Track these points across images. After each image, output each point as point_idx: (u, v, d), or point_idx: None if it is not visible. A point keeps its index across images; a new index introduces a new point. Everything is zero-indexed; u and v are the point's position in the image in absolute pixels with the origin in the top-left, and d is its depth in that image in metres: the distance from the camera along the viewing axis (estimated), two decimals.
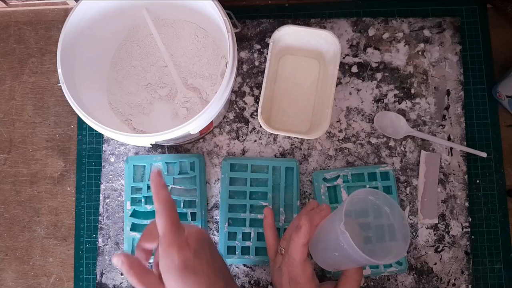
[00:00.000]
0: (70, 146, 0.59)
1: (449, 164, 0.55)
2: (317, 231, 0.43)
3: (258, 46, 0.58)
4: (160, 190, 0.36)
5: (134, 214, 0.53)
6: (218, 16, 0.46)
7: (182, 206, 0.53)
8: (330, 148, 0.56)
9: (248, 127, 0.57)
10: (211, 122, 0.49)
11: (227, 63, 0.46)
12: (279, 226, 0.53)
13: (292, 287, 0.43)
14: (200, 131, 0.49)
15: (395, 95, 0.56)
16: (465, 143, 0.55)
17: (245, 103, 0.57)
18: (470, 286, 0.53)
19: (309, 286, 0.42)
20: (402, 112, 0.56)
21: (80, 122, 0.59)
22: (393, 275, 0.53)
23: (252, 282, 0.54)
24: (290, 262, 0.43)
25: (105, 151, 0.57)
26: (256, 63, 0.58)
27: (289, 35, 0.52)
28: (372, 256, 0.36)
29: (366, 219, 0.50)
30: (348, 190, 0.53)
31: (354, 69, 0.57)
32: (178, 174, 0.54)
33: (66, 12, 0.62)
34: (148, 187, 0.53)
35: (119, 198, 0.56)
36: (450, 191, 0.54)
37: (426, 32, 0.57)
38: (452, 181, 0.54)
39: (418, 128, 0.55)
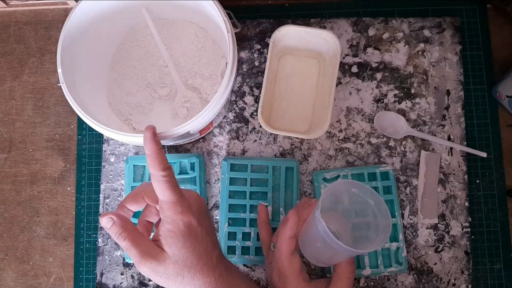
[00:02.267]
0: (70, 146, 0.59)
1: (449, 164, 0.55)
2: (304, 225, 0.43)
3: (258, 46, 0.58)
4: (153, 146, 0.37)
5: (134, 214, 0.53)
6: (218, 16, 0.46)
7: None
8: (330, 148, 0.56)
9: (248, 127, 0.57)
10: (211, 122, 0.49)
11: (227, 63, 0.46)
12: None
13: (281, 281, 0.43)
14: (200, 131, 0.49)
15: (395, 95, 0.56)
16: (465, 143, 0.55)
17: (245, 103, 0.57)
18: (470, 286, 0.53)
19: (296, 280, 0.42)
20: (402, 112, 0.56)
21: (80, 122, 0.59)
22: (393, 275, 0.53)
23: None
24: (278, 255, 0.43)
25: (105, 151, 0.57)
26: (256, 63, 0.58)
27: (289, 35, 0.52)
28: (351, 246, 0.36)
29: (350, 211, 0.51)
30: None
31: (354, 69, 0.57)
32: (178, 174, 0.54)
33: (66, 12, 0.62)
34: None
35: (119, 198, 0.56)
36: (450, 191, 0.54)
37: (426, 32, 0.57)
38: (452, 181, 0.54)
39: (418, 128, 0.55)
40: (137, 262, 0.35)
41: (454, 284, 0.53)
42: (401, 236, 0.52)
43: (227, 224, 0.53)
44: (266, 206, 0.52)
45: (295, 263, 0.43)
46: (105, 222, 0.35)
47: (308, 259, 0.44)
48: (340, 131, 0.56)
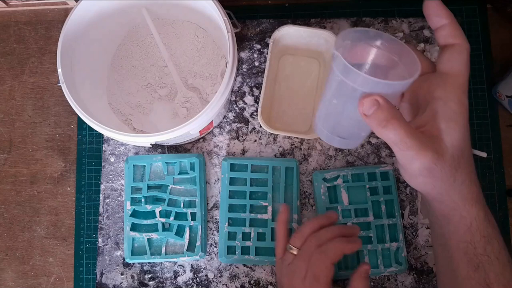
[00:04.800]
0: (70, 146, 0.59)
1: None
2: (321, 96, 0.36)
3: (258, 46, 0.58)
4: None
5: (134, 214, 0.53)
6: (218, 16, 0.46)
7: (182, 206, 0.53)
8: (330, 148, 0.56)
9: (248, 127, 0.57)
10: (211, 122, 0.49)
11: (227, 63, 0.46)
12: None
13: (308, 282, 0.42)
14: (200, 131, 0.49)
15: None
16: None
17: (245, 103, 0.57)
18: None
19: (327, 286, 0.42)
20: None
21: (80, 122, 0.59)
22: (393, 275, 0.53)
23: (252, 282, 0.54)
24: (320, 257, 0.42)
25: (105, 151, 0.57)
26: (256, 63, 0.58)
27: (289, 35, 0.52)
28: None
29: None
30: (348, 190, 0.53)
31: None
32: (178, 174, 0.54)
33: (66, 12, 0.62)
34: (148, 187, 0.54)
35: (119, 198, 0.56)
36: None
37: (426, 32, 0.57)
38: None
39: None
40: (409, 158, 0.30)
41: None
42: (401, 236, 0.52)
43: (227, 224, 0.53)
44: (288, 206, 0.50)
45: (331, 272, 0.42)
46: (366, 105, 0.28)
47: (324, 138, 0.36)
48: None
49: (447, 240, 0.34)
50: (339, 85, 0.30)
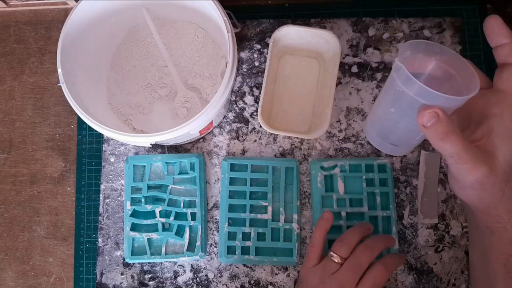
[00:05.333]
0: (70, 146, 0.59)
1: None
2: (376, 99, 0.37)
3: (258, 46, 0.58)
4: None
5: (134, 214, 0.53)
6: (218, 16, 0.46)
7: (182, 206, 0.53)
8: (330, 148, 0.56)
9: (248, 127, 0.57)
10: (211, 122, 0.49)
11: (227, 63, 0.46)
12: (278, 227, 0.53)
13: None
14: (200, 131, 0.49)
15: None
16: None
17: (245, 103, 0.57)
18: (470, 286, 0.53)
19: None
20: None
21: (80, 122, 0.59)
22: (393, 275, 0.53)
23: (252, 282, 0.54)
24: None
25: (105, 151, 0.57)
26: (256, 63, 0.58)
27: (289, 35, 0.52)
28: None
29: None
30: (344, 180, 0.53)
31: (354, 69, 0.57)
32: (178, 174, 0.54)
33: (66, 12, 0.62)
34: (148, 187, 0.54)
35: (119, 198, 0.56)
36: (450, 191, 0.54)
37: (426, 32, 0.57)
38: None
39: None
40: (463, 170, 0.31)
41: (454, 284, 0.53)
42: (394, 229, 0.52)
43: (227, 224, 0.53)
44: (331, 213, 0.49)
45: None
46: (427, 117, 0.29)
47: (375, 143, 0.38)
48: (340, 131, 0.56)
49: (488, 251, 0.35)
50: (399, 95, 0.31)
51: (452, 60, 0.33)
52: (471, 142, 0.32)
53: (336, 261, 0.43)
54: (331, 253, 0.43)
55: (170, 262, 0.54)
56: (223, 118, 0.57)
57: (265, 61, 0.56)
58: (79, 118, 0.57)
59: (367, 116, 0.37)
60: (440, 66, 0.33)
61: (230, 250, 0.53)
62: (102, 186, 0.56)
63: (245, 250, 0.53)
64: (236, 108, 0.57)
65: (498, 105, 0.32)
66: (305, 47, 0.54)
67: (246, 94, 0.57)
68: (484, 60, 0.57)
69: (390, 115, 0.33)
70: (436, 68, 0.34)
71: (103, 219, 0.56)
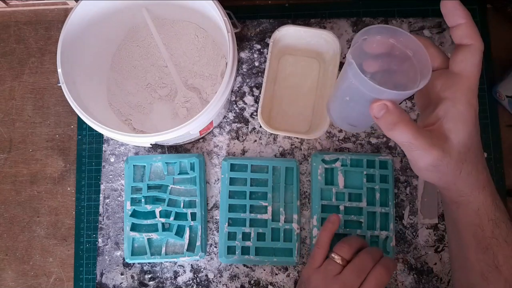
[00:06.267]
0: (70, 146, 0.59)
1: None
2: (335, 83, 0.40)
3: (258, 46, 0.58)
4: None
5: (134, 214, 0.53)
6: (218, 16, 0.46)
7: (182, 206, 0.53)
8: (330, 148, 0.56)
9: (248, 127, 0.57)
10: (211, 122, 0.49)
11: (227, 63, 0.46)
12: (278, 227, 0.53)
13: None
14: (200, 131, 0.49)
15: None
16: None
17: (245, 103, 0.57)
18: None
19: None
20: None
21: (80, 122, 0.59)
22: (393, 275, 0.53)
23: (252, 282, 0.54)
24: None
25: (105, 151, 0.57)
26: (256, 63, 0.58)
27: (289, 35, 0.52)
28: (384, 87, 0.30)
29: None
30: (345, 174, 0.53)
31: None
32: (178, 174, 0.54)
33: (66, 12, 0.62)
34: (148, 187, 0.54)
35: (119, 198, 0.56)
36: None
37: (426, 32, 0.57)
38: None
39: None
40: (416, 156, 0.32)
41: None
42: (391, 226, 0.52)
43: (227, 224, 0.53)
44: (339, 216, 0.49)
45: None
46: (376, 109, 0.31)
47: (336, 123, 0.40)
48: (340, 131, 0.56)
49: (457, 224, 0.37)
50: (352, 86, 0.32)
51: (409, 42, 0.34)
52: (426, 126, 0.33)
53: (339, 262, 0.43)
54: (333, 254, 0.43)
55: (170, 262, 0.54)
56: (223, 118, 0.57)
57: (265, 61, 0.56)
58: (79, 118, 0.57)
59: (329, 98, 0.40)
60: (397, 47, 0.34)
61: (230, 250, 0.53)
62: (102, 186, 0.56)
63: (245, 250, 0.53)
64: (236, 108, 0.57)
65: (451, 88, 0.32)
66: (305, 47, 0.54)
67: (246, 94, 0.57)
68: (484, 60, 0.57)
69: (346, 102, 0.35)
70: (394, 49, 0.34)
71: (103, 219, 0.56)
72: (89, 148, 0.58)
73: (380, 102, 0.31)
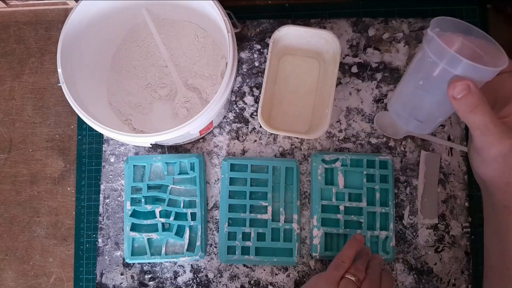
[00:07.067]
0: (70, 146, 0.59)
1: (449, 164, 0.55)
2: (404, 75, 0.37)
3: (258, 46, 0.58)
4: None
5: (134, 214, 0.53)
6: (218, 16, 0.46)
7: (182, 206, 0.53)
8: (330, 148, 0.56)
9: (248, 127, 0.57)
10: (211, 122, 0.49)
11: (227, 63, 0.46)
12: (278, 227, 0.53)
13: None
14: (200, 131, 0.49)
15: None
16: (465, 143, 0.55)
17: (245, 103, 0.57)
18: (470, 286, 0.53)
19: None
20: None
21: (80, 122, 0.59)
22: (393, 275, 0.53)
23: (252, 282, 0.54)
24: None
25: (105, 151, 0.57)
26: (256, 63, 0.58)
27: (289, 35, 0.52)
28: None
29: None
30: (345, 173, 0.53)
31: (354, 69, 0.57)
32: (178, 174, 0.54)
33: (66, 12, 0.62)
34: (148, 187, 0.54)
35: (119, 198, 0.56)
36: (450, 191, 0.54)
37: None
38: (452, 181, 0.54)
39: None
40: (488, 142, 0.32)
41: (454, 284, 0.53)
42: (391, 226, 0.52)
43: (227, 224, 0.53)
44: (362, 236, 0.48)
45: None
46: (458, 89, 0.30)
47: (399, 121, 0.38)
48: (340, 131, 0.56)
49: (504, 234, 0.35)
50: (428, 67, 0.31)
51: (479, 39, 0.33)
52: (499, 118, 0.32)
53: (357, 284, 0.41)
54: (351, 276, 0.42)
55: (170, 262, 0.54)
56: (223, 118, 0.57)
57: (265, 61, 0.56)
58: (79, 118, 0.57)
59: (391, 94, 0.37)
60: (466, 45, 0.33)
61: (230, 250, 0.53)
62: (102, 186, 0.56)
63: (245, 250, 0.53)
64: (236, 108, 0.57)
65: None
66: (305, 47, 0.54)
67: (246, 94, 0.57)
68: None
69: (418, 88, 0.34)
70: (462, 48, 0.33)
71: (103, 219, 0.56)
72: (89, 148, 0.58)
73: (462, 81, 0.30)
